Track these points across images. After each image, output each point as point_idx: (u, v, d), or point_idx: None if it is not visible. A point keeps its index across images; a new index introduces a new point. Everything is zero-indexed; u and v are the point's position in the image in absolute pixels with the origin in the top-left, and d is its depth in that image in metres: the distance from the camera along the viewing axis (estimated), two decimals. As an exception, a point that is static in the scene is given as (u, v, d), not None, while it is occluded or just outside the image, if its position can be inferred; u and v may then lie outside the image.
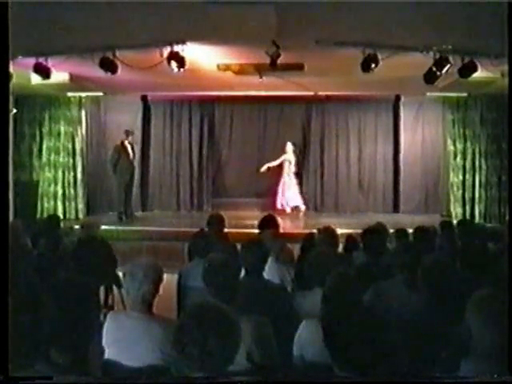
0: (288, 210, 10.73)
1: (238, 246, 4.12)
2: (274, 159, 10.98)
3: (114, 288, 5.43)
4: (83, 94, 9.96)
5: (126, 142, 9.96)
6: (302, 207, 10.88)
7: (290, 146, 10.88)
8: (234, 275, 2.91)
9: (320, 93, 9.82)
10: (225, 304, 2.68)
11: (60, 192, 10.45)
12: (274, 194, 10.92)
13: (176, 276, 4.22)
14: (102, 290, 5.19)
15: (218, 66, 7.35)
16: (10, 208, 8.22)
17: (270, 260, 3.80)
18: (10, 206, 7.76)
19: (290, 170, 10.85)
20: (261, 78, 7.47)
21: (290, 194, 10.82)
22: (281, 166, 10.90)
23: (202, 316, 1.82)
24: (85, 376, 1.93)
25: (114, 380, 2.41)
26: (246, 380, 2.32)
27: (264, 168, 10.82)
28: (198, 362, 1.75)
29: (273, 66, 6.28)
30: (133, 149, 10.14)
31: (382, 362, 1.99)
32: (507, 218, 9.22)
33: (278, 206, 10.76)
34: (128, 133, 10.02)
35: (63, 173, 10.47)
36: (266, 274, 3.63)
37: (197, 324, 1.78)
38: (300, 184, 11.28)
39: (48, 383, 1.75)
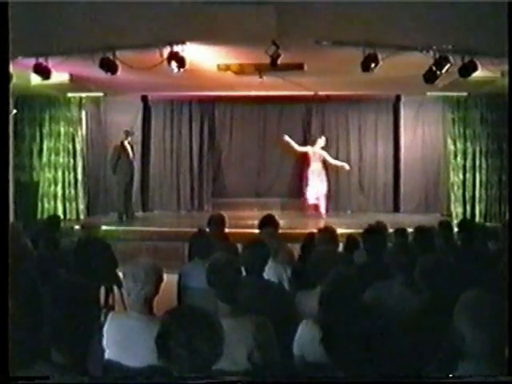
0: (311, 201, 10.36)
1: (239, 246, 4.12)
2: (275, 159, 10.95)
3: (114, 288, 5.44)
4: (83, 95, 9.95)
5: (126, 143, 9.96)
6: (322, 211, 10.38)
7: (321, 141, 10.49)
8: (237, 275, 2.92)
9: (320, 93, 9.82)
10: (228, 304, 2.69)
11: (60, 192, 10.43)
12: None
13: (176, 276, 4.22)
14: (102, 290, 5.19)
15: (218, 66, 7.35)
16: (11, 209, 8.22)
17: (269, 260, 3.80)
18: (10, 206, 7.76)
19: (315, 165, 10.38)
20: (261, 77, 7.47)
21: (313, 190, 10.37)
22: (307, 158, 10.51)
23: (183, 317, 1.85)
24: (85, 376, 1.93)
25: (114, 380, 2.41)
26: (246, 380, 2.32)
27: (287, 138, 10.42)
28: (185, 363, 1.76)
29: (273, 66, 6.28)
30: (132, 149, 10.14)
31: (381, 362, 1.99)
32: (507, 217, 9.20)
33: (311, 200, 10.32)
34: (128, 133, 10.02)
35: (63, 173, 10.45)
36: (265, 274, 3.63)
37: (179, 326, 1.81)
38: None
39: (48, 383, 1.75)
